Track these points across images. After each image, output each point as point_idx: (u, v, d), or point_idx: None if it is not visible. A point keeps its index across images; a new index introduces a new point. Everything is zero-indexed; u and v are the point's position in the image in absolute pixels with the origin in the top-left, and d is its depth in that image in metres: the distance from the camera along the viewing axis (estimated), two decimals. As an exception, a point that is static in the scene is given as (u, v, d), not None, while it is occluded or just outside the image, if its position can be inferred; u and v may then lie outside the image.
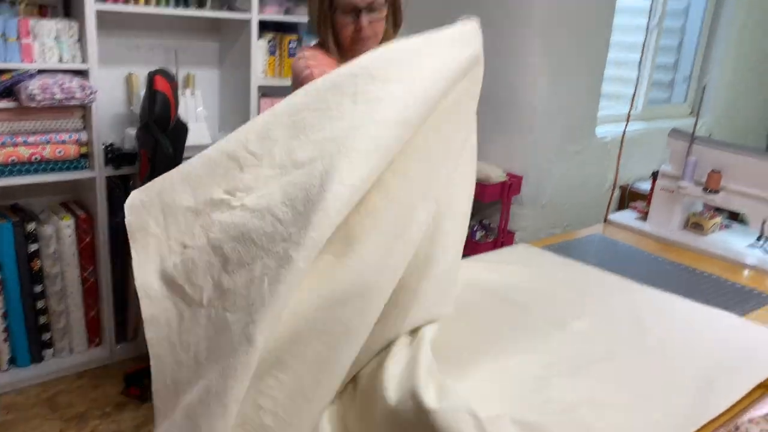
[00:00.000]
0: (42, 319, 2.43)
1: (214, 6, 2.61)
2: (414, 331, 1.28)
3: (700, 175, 2.17)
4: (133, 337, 2.69)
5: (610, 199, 2.62)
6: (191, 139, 2.44)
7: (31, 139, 2.23)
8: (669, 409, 1.20)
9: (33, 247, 2.35)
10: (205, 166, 1.10)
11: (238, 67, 2.70)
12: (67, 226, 2.40)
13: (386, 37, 1.69)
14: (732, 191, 2.11)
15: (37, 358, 2.47)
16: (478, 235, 2.88)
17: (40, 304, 2.41)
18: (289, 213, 0.99)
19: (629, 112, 2.59)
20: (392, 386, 1.11)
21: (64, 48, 2.23)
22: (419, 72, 1.13)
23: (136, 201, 1.10)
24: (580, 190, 3.17)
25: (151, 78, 2.09)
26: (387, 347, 1.22)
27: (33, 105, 2.13)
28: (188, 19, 2.66)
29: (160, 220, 1.09)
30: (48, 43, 2.20)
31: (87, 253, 2.48)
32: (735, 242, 2.18)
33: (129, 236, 1.10)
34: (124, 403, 2.37)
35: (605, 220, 2.38)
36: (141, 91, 2.44)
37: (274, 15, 2.67)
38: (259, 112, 2.70)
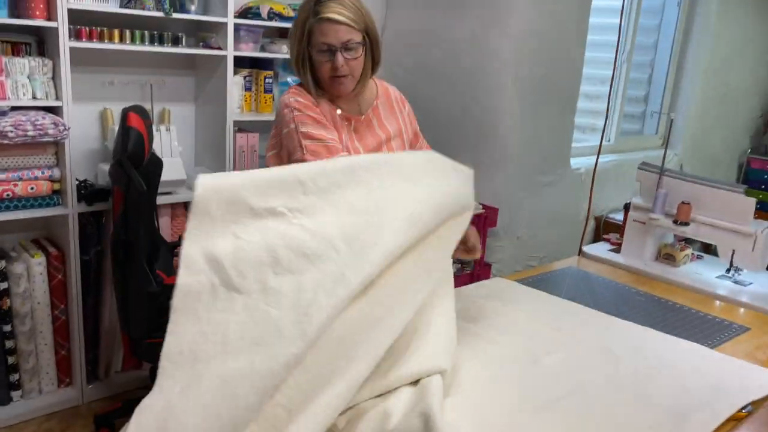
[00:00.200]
0: (10, 360, 2.37)
1: (189, 43, 2.63)
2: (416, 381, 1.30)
3: (670, 207, 2.21)
4: (105, 376, 2.63)
5: (584, 230, 2.65)
6: (166, 175, 2.43)
7: (2, 176, 2.21)
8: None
9: (2, 286, 2.30)
10: (275, 180, 1.26)
11: (214, 102, 2.71)
12: (38, 263, 2.36)
13: (365, 75, 1.70)
14: (702, 223, 2.14)
15: (4, 399, 2.40)
16: (455, 268, 2.88)
17: (9, 344, 2.35)
18: (345, 248, 1.19)
19: (600, 143, 2.64)
20: (399, 408, 1.18)
21: (38, 85, 2.22)
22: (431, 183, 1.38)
23: (208, 181, 1.20)
24: (556, 221, 3.20)
25: (124, 114, 2.08)
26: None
27: (5, 142, 2.11)
28: (163, 55, 2.67)
29: (222, 206, 1.20)
30: (21, 80, 2.19)
31: (58, 291, 2.43)
32: (706, 273, 2.21)
33: (191, 207, 1.19)
34: (94, 445, 2.31)
35: (579, 252, 2.40)
36: (115, 126, 2.43)
37: (249, 51, 2.70)
38: (234, 148, 2.71)
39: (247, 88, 2.80)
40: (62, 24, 2.18)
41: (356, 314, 1.16)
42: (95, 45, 2.35)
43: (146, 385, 2.63)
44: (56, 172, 2.32)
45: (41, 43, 2.34)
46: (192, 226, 1.18)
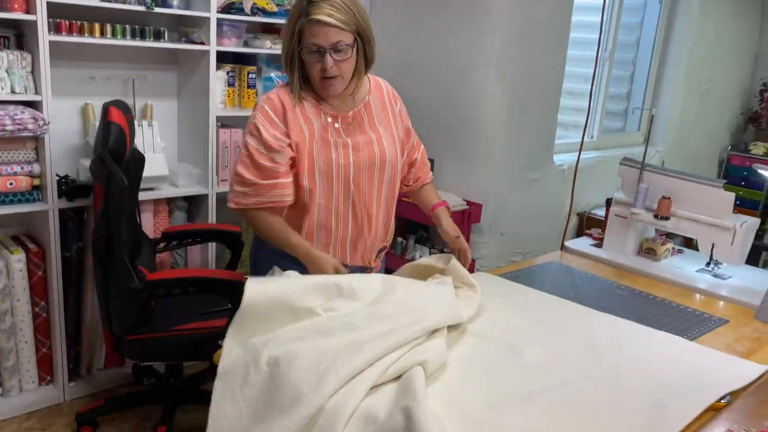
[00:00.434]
0: (-10, 358, 2.35)
1: (171, 37, 2.61)
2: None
3: (651, 202, 2.23)
4: (87, 373, 2.61)
5: (566, 226, 2.67)
6: (148, 170, 2.41)
7: (-20, 171, 2.18)
8: (620, 436, 1.21)
9: (-19, 283, 2.27)
10: (318, 285, 1.46)
11: (197, 97, 2.69)
12: (17, 260, 2.33)
13: (358, 75, 1.67)
14: (682, 217, 2.17)
15: (-16, 398, 2.37)
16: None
17: (-12, 342, 2.33)
18: (365, 325, 1.37)
19: (582, 140, 2.66)
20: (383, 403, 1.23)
21: (16, 79, 2.19)
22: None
23: (257, 286, 1.39)
24: (539, 217, 3.22)
25: (105, 109, 2.06)
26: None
27: (-18, 137, 2.08)
28: (145, 50, 2.65)
29: (267, 307, 1.38)
30: (-1, 74, 2.16)
31: (38, 288, 2.41)
32: (686, 267, 2.23)
33: (241, 308, 1.36)
34: (75, 443, 2.29)
35: (562, 247, 2.42)
36: (97, 121, 2.41)
37: (232, 47, 2.68)
38: (217, 143, 2.69)
39: (231, 84, 2.78)
40: (41, 17, 2.16)
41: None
42: (75, 39, 2.32)
43: (128, 382, 2.62)
44: (36, 168, 2.30)
45: (20, 37, 2.31)
46: (236, 325, 1.35)
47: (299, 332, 1.34)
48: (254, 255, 1.84)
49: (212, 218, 2.73)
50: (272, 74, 2.86)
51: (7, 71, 2.18)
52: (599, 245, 2.40)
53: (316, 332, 1.33)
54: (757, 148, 4.45)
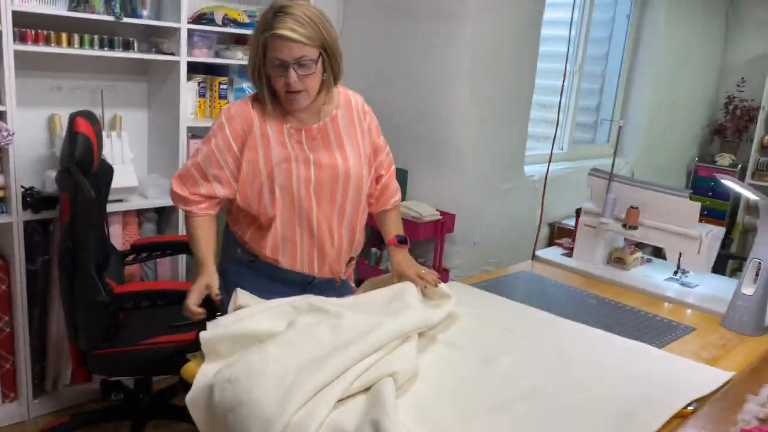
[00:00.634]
0: (-50, 375, 2.28)
1: (141, 48, 2.58)
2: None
3: (620, 212, 2.26)
4: (53, 389, 2.54)
5: (537, 235, 2.69)
6: (117, 182, 2.38)
7: (-59, 183, 2.12)
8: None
9: (-58, 297, 2.21)
10: (274, 311, 1.51)
11: (167, 108, 2.66)
12: (-20, 274, 2.27)
13: (325, 89, 1.66)
14: (649, 227, 2.20)
15: (-56, 416, 2.30)
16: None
17: (-52, 358, 2.26)
18: (330, 338, 1.38)
19: (551, 151, 2.69)
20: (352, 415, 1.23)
21: (-20, 89, 2.15)
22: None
23: (208, 335, 1.44)
24: (511, 227, 3.25)
25: (72, 120, 2.03)
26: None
27: (-56, 147, 2.03)
28: (115, 60, 2.62)
29: (229, 344, 1.43)
30: (-38, 83, 2.12)
31: (2, 302, 2.35)
32: (655, 276, 2.27)
33: (203, 350, 1.43)
34: (40, 462, 2.23)
35: (533, 257, 2.44)
36: (64, 132, 2.37)
37: (203, 57, 2.67)
38: (188, 154, 2.66)
39: (202, 94, 2.76)
40: (6, 26, 2.12)
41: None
42: (42, 48, 2.28)
43: (96, 397, 2.56)
44: (0, 179, 2.25)
45: (-16, 46, 2.26)
46: (206, 365, 1.40)
47: (261, 352, 1.33)
48: (222, 265, 1.82)
49: (183, 230, 2.70)
50: (244, 85, 2.85)
51: (-30, 81, 2.14)
52: (569, 255, 2.42)
53: (278, 346, 1.33)
54: (723, 159, 4.56)
